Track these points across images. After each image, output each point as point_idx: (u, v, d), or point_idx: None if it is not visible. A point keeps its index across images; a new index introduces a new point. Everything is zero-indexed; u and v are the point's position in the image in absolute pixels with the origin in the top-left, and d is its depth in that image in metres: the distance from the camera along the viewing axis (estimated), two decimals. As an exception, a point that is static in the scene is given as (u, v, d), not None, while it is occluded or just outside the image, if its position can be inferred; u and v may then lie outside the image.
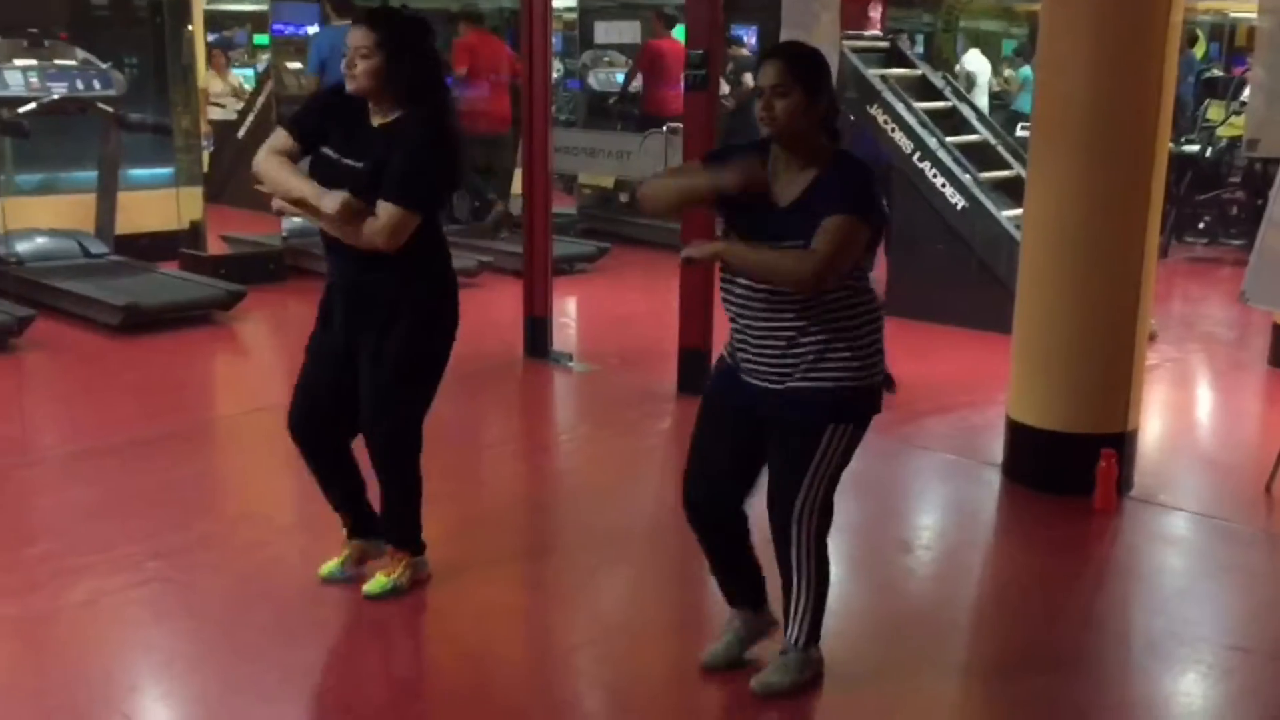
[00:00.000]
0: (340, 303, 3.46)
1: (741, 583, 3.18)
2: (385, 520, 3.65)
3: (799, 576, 2.97)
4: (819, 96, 2.75)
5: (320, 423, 3.54)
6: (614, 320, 7.69)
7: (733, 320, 2.90)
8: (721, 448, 3.01)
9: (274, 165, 3.38)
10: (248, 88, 9.72)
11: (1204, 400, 6.50)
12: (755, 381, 2.87)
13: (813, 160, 2.77)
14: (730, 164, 2.78)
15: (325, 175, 3.37)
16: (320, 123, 3.43)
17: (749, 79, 10.34)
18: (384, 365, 3.40)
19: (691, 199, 3.00)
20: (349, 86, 3.32)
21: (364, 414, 3.47)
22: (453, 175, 3.55)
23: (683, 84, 5.93)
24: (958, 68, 13.13)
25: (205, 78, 9.45)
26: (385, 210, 3.26)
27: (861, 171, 2.80)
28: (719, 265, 2.89)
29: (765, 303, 2.79)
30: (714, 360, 3.11)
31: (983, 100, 12.12)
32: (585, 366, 6.35)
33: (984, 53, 13.60)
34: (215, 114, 9.25)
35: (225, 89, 9.59)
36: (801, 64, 2.75)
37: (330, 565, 3.70)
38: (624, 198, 10.89)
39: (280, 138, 3.43)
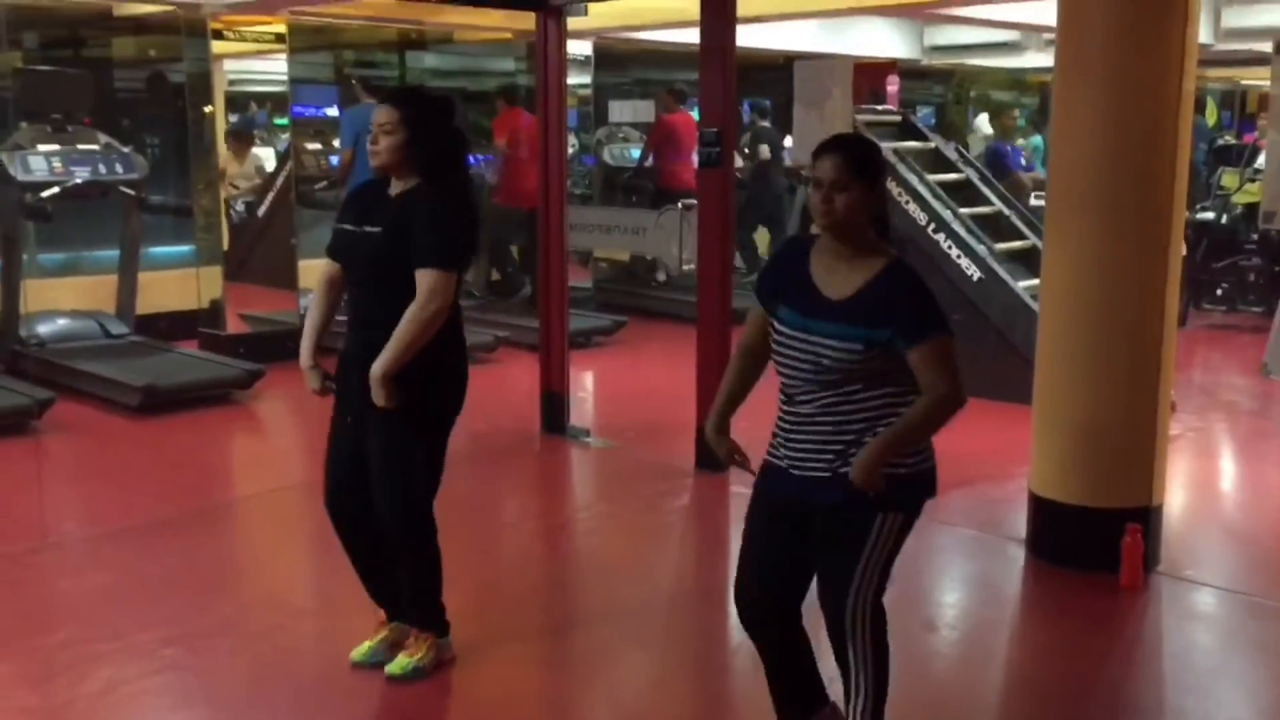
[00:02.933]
0: (356, 371, 3.44)
1: (802, 689, 3.08)
2: (406, 600, 3.61)
3: (858, 670, 2.91)
4: (875, 188, 2.79)
5: (350, 500, 3.53)
6: (631, 394, 7.69)
7: (784, 403, 2.87)
8: (773, 547, 2.94)
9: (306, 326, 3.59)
10: (268, 168, 9.81)
11: (1229, 472, 6.42)
12: (802, 473, 2.83)
13: (862, 252, 2.79)
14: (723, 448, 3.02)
15: (343, 244, 3.50)
16: (339, 223, 3.56)
17: (764, 150, 10.46)
18: (395, 421, 3.39)
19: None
20: (372, 162, 3.42)
21: (375, 476, 3.45)
22: (472, 238, 3.59)
23: (695, 160, 5.99)
24: (970, 134, 13.16)
25: (224, 159, 9.55)
26: (425, 277, 3.32)
27: (922, 285, 2.84)
28: (774, 344, 2.87)
29: (819, 391, 2.78)
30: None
31: None
32: (603, 442, 6.33)
33: (993, 122, 13.67)
34: (232, 193, 9.32)
35: (240, 172, 9.68)
36: (860, 157, 2.78)
37: (362, 649, 3.65)
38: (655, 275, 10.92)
39: (326, 265, 3.60)
